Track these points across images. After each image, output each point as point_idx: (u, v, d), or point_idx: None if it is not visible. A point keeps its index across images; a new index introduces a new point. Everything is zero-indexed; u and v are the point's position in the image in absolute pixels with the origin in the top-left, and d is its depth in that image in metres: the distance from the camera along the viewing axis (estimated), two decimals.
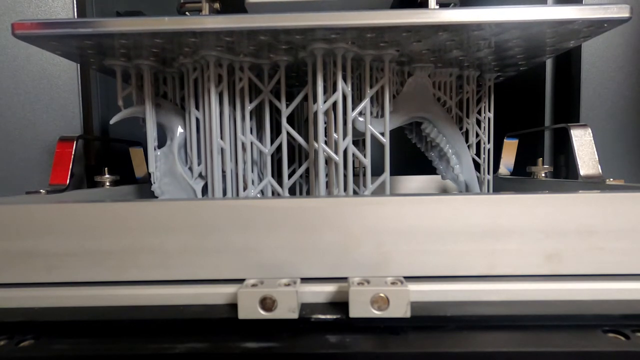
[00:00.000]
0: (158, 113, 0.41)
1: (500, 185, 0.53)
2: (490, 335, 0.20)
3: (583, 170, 0.41)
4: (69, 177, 0.42)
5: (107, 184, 0.48)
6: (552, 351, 0.19)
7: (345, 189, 0.38)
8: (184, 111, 0.41)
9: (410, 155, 0.61)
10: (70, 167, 0.42)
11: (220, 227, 0.23)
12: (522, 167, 0.52)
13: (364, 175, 0.39)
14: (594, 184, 0.39)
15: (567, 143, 0.44)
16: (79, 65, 0.52)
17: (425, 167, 0.57)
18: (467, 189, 0.46)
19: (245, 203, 0.24)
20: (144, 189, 0.50)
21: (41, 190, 0.39)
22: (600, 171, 0.41)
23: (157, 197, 0.41)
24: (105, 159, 0.57)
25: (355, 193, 0.39)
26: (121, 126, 0.59)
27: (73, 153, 0.42)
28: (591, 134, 0.42)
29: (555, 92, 0.57)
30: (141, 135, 0.41)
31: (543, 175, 0.49)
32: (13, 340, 0.20)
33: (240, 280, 0.22)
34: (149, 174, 0.41)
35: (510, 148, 0.56)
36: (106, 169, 0.49)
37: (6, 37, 0.51)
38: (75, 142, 0.43)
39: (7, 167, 0.52)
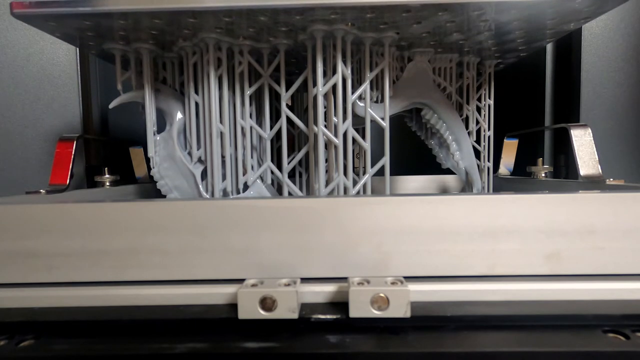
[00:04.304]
0: (157, 98, 0.41)
1: (500, 185, 0.53)
2: (490, 335, 0.20)
3: (583, 170, 0.41)
4: (69, 177, 0.42)
5: (107, 184, 0.48)
6: (552, 351, 0.19)
7: (345, 173, 0.37)
8: (183, 96, 0.41)
9: (410, 156, 0.61)
10: (70, 167, 0.42)
11: (220, 227, 0.23)
12: (522, 167, 0.52)
13: (364, 160, 0.39)
14: (594, 184, 0.39)
15: (567, 143, 0.44)
16: (79, 65, 0.52)
17: (424, 167, 0.57)
18: (467, 176, 0.46)
19: (245, 203, 0.24)
20: (144, 189, 0.50)
21: (41, 190, 0.39)
22: (600, 171, 0.41)
23: (156, 196, 0.41)
24: (105, 159, 0.57)
25: (354, 181, 0.38)
26: (121, 126, 0.60)
27: (73, 153, 0.42)
28: (591, 134, 0.42)
29: (555, 92, 0.57)
30: (141, 134, 0.41)
31: (543, 175, 0.49)
32: (13, 340, 0.20)
33: (240, 280, 0.22)
34: (149, 167, 0.41)
35: (510, 148, 0.56)
36: (106, 169, 0.49)
37: (6, 37, 0.51)
38: (75, 142, 0.43)
39: (7, 167, 0.52)
